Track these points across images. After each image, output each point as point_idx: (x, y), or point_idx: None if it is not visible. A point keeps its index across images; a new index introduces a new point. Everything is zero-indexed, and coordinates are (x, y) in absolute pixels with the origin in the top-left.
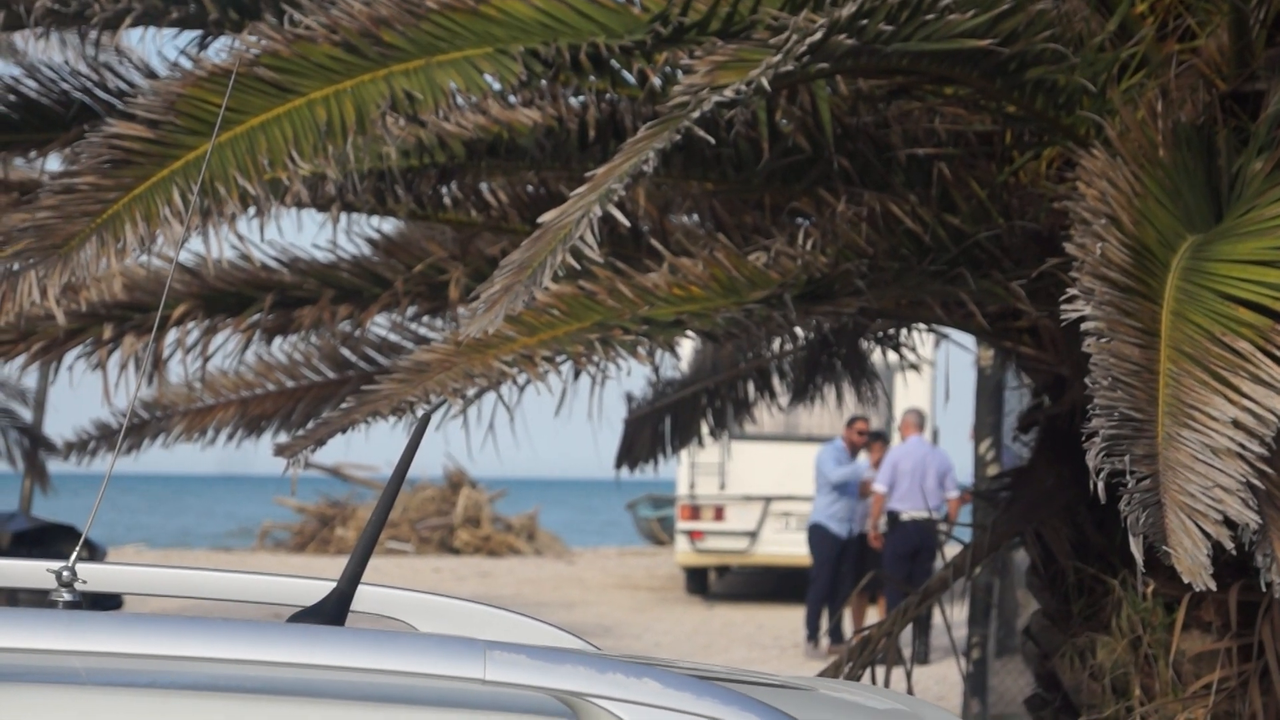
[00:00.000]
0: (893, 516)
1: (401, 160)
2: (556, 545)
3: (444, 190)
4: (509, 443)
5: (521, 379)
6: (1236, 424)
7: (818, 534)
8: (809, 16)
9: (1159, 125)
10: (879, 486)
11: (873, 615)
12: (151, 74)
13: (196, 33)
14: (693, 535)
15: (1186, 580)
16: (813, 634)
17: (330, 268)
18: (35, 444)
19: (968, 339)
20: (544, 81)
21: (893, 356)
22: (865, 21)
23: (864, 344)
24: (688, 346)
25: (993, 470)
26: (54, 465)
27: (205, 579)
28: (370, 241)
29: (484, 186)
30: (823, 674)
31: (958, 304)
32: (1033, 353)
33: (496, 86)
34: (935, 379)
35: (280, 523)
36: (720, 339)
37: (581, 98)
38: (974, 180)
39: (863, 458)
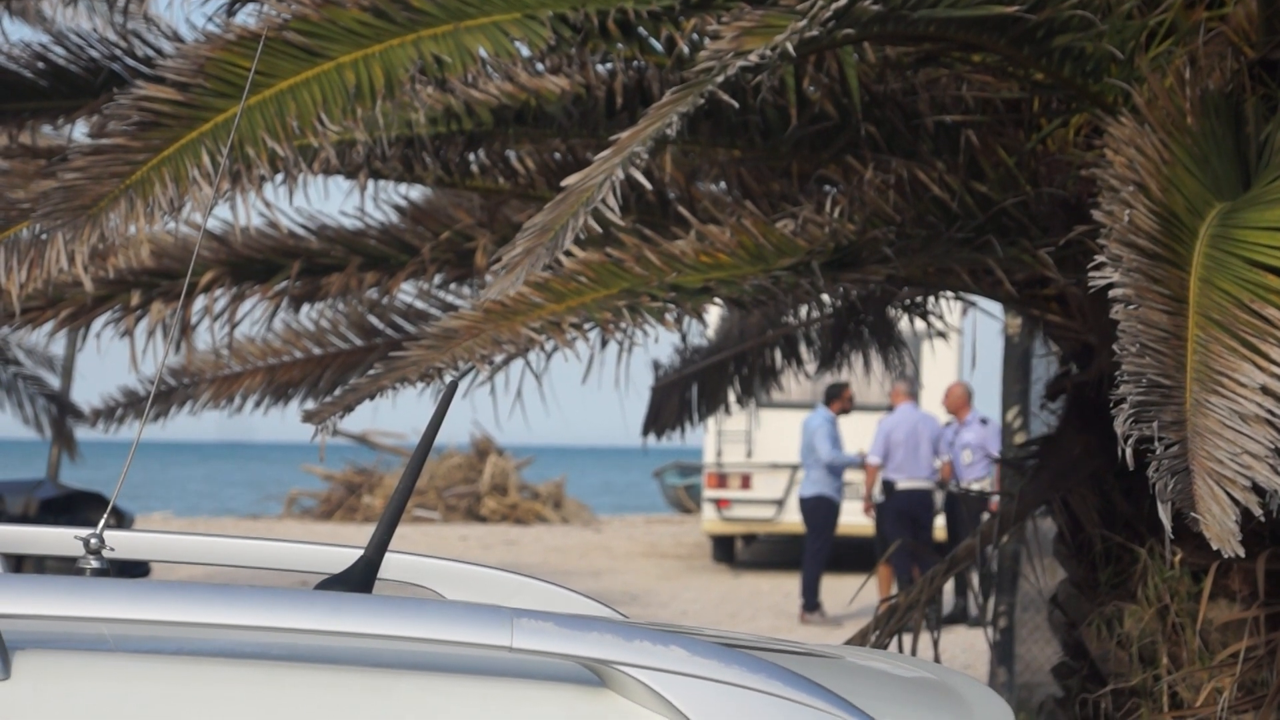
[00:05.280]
0: (889, 485)
1: (429, 127)
2: (583, 513)
3: (471, 157)
4: (536, 410)
5: (549, 346)
6: (1265, 390)
7: (824, 505)
8: None
9: (1187, 93)
10: (872, 458)
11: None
12: (179, 41)
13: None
14: (719, 503)
15: (1215, 547)
16: (817, 603)
17: (358, 235)
18: (63, 411)
19: (995, 307)
20: (572, 48)
21: (920, 324)
22: None
23: (891, 311)
24: (715, 314)
25: (1020, 438)
26: (81, 433)
27: (232, 546)
28: (397, 209)
29: (511, 154)
30: (850, 642)
31: (985, 271)
32: (1060, 320)
33: (525, 52)
34: (962, 347)
35: (307, 490)
36: (748, 306)
37: (609, 65)
38: (1001, 147)
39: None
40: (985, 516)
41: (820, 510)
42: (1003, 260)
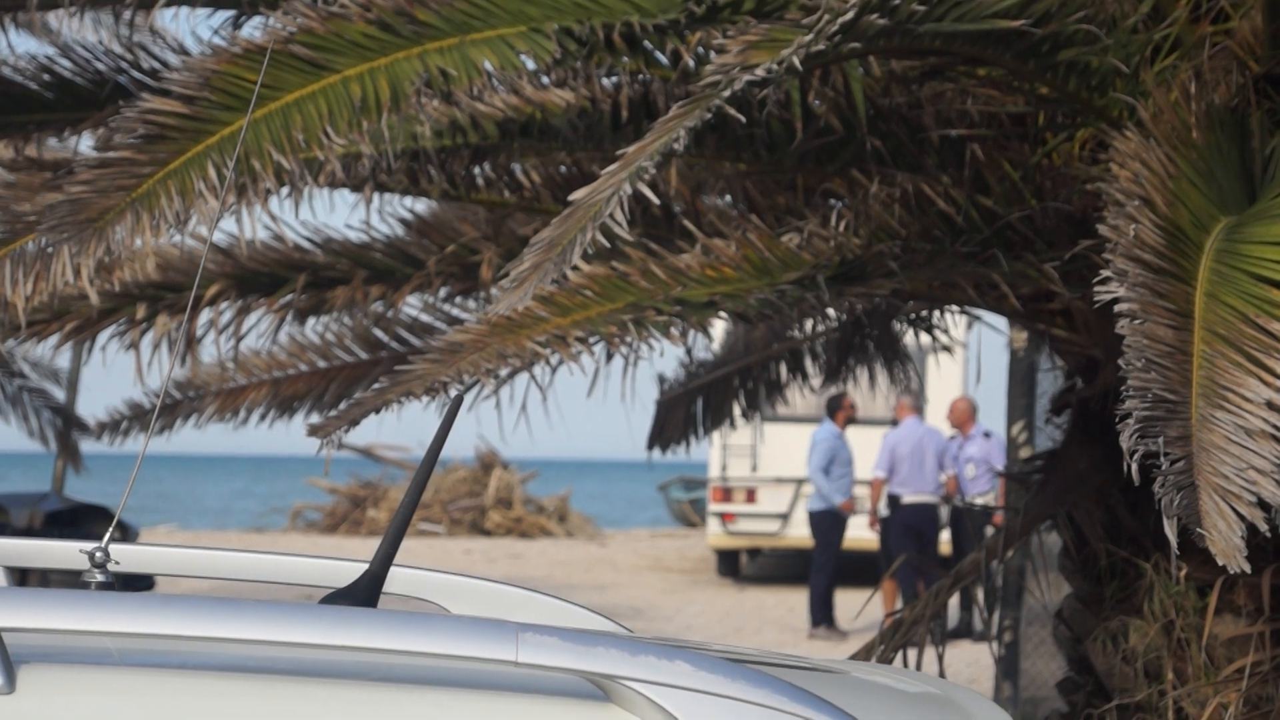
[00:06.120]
0: (894, 499)
1: (435, 140)
2: (588, 527)
3: (477, 170)
4: (541, 424)
5: (554, 360)
6: (1270, 405)
7: (828, 519)
8: None
9: (1192, 107)
10: (878, 472)
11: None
12: (186, 54)
13: (230, 12)
14: (724, 517)
15: (1221, 563)
16: (825, 618)
17: (363, 248)
18: (68, 424)
19: (1000, 321)
20: (578, 61)
21: (925, 338)
22: (897, 2)
23: (896, 325)
24: (720, 328)
25: (1025, 453)
26: (87, 445)
27: (237, 560)
28: (403, 222)
29: (517, 167)
30: (855, 656)
31: (990, 286)
32: (1065, 335)
33: (531, 65)
34: (967, 361)
35: (312, 504)
36: (753, 320)
37: (615, 78)
38: (1007, 162)
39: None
40: (989, 531)
41: (824, 524)
42: (1008, 274)
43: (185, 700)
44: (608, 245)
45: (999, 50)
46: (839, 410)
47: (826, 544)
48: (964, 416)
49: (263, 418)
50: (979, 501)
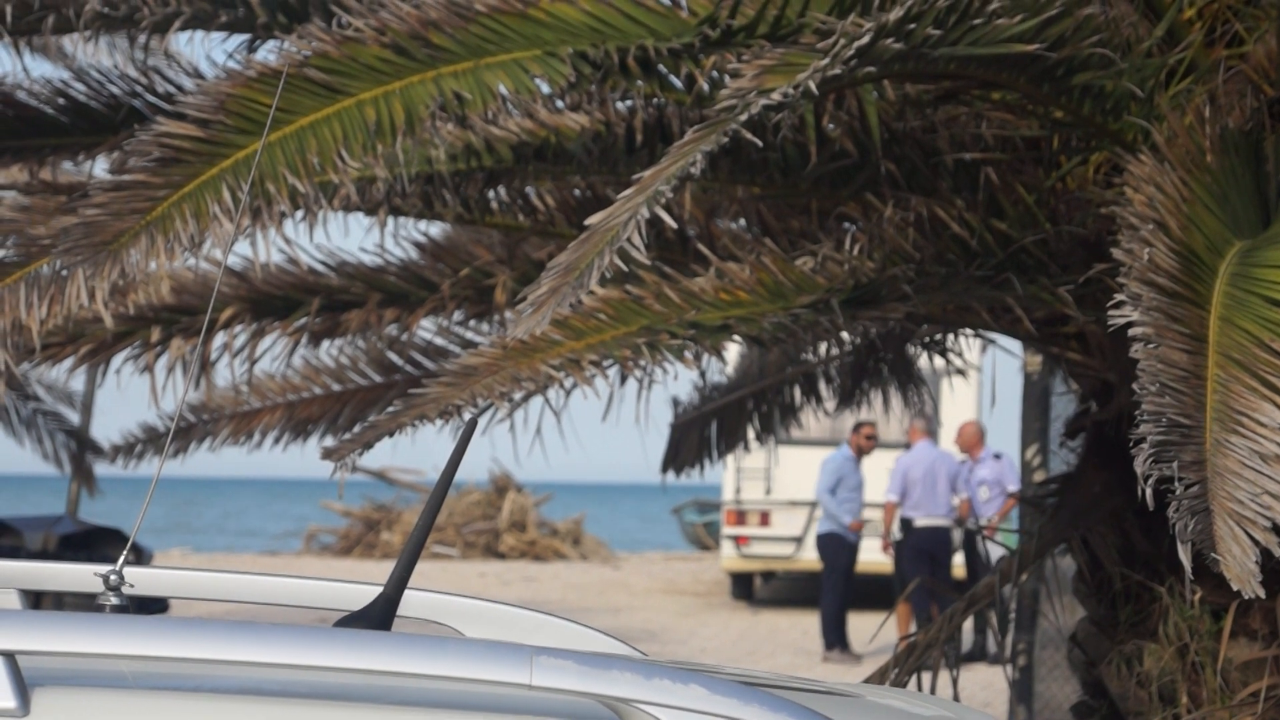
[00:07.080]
0: (906, 523)
1: (449, 164)
2: (602, 550)
3: (491, 194)
4: (555, 447)
5: (568, 383)
6: None
7: (834, 542)
8: (856, 21)
9: (1206, 131)
10: (890, 495)
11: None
12: (200, 77)
13: (245, 36)
14: (738, 540)
15: (1235, 587)
16: (838, 640)
17: (377, 271)
18: (82, 447)
19: (1014, 344)
20: (592, 85)
21: (939, 362)
22: (912, 26)
23: (911, 349)
24: (734, 351)
25: (1039, 476)
26: (101, 468)
27: (251, 583)
28: (417, 245)
29: (531, 191)
30: (869, 680)
31: (1004, 309)
32: (1080, 358)
33: (545, 89)
34: (982, 384)
35: (326, 526)
36: (767, 344)
37: (629, 102)
38: (1021, 185)
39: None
40: (1000, 552)
41: (830, 547)
42: (1022, 298)
43: None
44: (624, 269)
45: (1013, 74)
46: (853, 435)
47: (834, 566)
48: (972, 440)
49: (277, 441)
50: (997, 522)
